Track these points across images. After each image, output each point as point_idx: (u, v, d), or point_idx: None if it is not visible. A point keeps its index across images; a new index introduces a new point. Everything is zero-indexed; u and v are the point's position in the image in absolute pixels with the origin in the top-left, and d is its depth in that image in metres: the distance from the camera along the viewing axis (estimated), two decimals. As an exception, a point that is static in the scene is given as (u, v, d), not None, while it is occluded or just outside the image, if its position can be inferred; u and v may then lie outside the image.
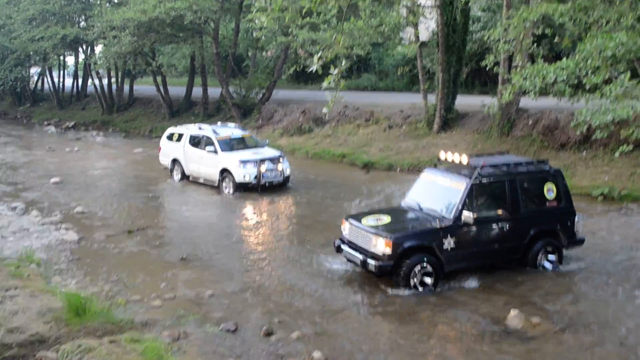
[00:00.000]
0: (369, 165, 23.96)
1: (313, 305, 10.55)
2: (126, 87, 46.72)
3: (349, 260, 11.67)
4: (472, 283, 11.58)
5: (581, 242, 12.51)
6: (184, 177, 21.93)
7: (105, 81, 46.45)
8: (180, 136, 22.29)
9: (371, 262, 10.78)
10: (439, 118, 24.75)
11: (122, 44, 32.83)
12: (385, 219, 11.64)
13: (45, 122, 47.56)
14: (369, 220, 11.48)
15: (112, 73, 46.24)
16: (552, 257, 12.09)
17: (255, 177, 19.40)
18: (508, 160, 12.39)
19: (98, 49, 44.39)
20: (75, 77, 54.72)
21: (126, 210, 17.47)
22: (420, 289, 10.89)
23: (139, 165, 25.78)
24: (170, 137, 22.88)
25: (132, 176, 23.61)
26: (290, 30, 25.93)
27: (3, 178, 22.85)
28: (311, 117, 30.02)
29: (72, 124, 44.83)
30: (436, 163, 12.91)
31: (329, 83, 9.59)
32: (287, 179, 20.35)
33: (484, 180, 11.43)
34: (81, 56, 50.40)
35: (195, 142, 21.39)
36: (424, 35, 27.75)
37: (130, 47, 33.19)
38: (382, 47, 37.72)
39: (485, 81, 30.83)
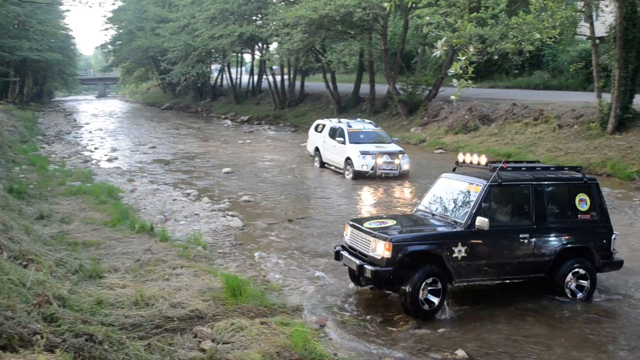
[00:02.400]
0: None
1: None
2: (297, 84, 48.60)
3: (346, 266, 10.51)
4: None
5: (619, 264, 10.84)
6: (322, 164, 24.83)
7: (278, 78, 48.67)
8: (323, 127, 25.39)
9: (368, 267, 9.36)
10: (613, 118, 23.53)
11: (294, 41, 34.62)
12: (390, 222, 10.42)
13: (223, 116, 51.33)
14: (371, 224, 10.29)
15: (285, 70, 48.10)
16: (583, 281, 10.38)
17: (372, 168, 21.64)
18: (534, 164, 11.45)
19: (272, 46, 46.34)
20: (251, 73, 57.68)
21: (289, 199, 18.33)
22: (426, 308, 9.36)
23: (304, 158, 27.00)
24: (316, 128, 26.17)
25: (296, 168, 24.63)
26: (456, 25, 25.46)
27: (181, 167, 24.79)
28: (477, 114, 29.99)
29: (246, 118, 47.82)
30: (455, 167, 11.43)
31: (456, 70, 9.68)
32: (404, 173, 22.17)
33: (504, 184, 10.09)
34: (257, 53, 52.78)
35: (332, 133, 24.16)
36: (600, 30, 26.20)
37: (301, 44, 34.96)
38: (556, 43, 36.09)
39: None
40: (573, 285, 10.32)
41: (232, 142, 33.97)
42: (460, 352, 8.34)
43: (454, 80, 10.46)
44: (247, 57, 63.46)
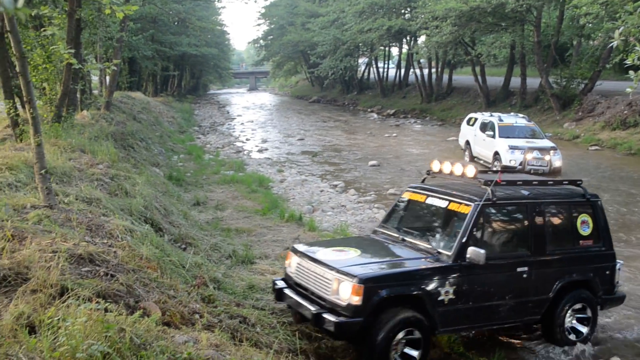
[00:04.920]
0: None
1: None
2: (445, 77, 47.81)
3: (292, 309, 7.75)
4: None
5: (621, 300, 9.01)
6: (472, 158, 24.21)
7: (425, 71, 48.18)
8: (475, 121, 24.86)
9: (329, 317, 6.77)
10: None
11: (443, 34, 34.18)
12: (352, 252, 7.83)
13: (369, 109, 51.58)
14: (327, 253, 7.78)
15: (433, 63, 47.54)
16: (583, 322, 8.49)
17: (521, 163, 20.73)
18: (528, 177, 9.21)
19: (420, 39, 45.95)
20: (398, 67, 57.48)
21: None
22: None
23: (449, 152, 27.00)
24: (468, 121, 25.76)
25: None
26: (618, 15, 24.07)
27: (328, 159, 25.16)
28: (638, 110, 27.70)
29: (392, 111, 47.75)
30: (424, 177, 9.27)
31: (633, 60, 8.60)
32: (555, 170, 20.95)
33: (499, 202, 7.92)
34: (404, 47, 52.55)
35: (483, 127, 23.61)
36: None
37: (450, 36, 34.53)
38: None
39: None
40: (572, 324, 8.38)
41: (378, 135, 34.12)
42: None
43: (631, 72, 9.63)
44: (394, 51, 63.34)
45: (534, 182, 8.60)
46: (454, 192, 8.12)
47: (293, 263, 7.92)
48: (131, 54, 36.60)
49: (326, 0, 59.10)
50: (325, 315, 6.80)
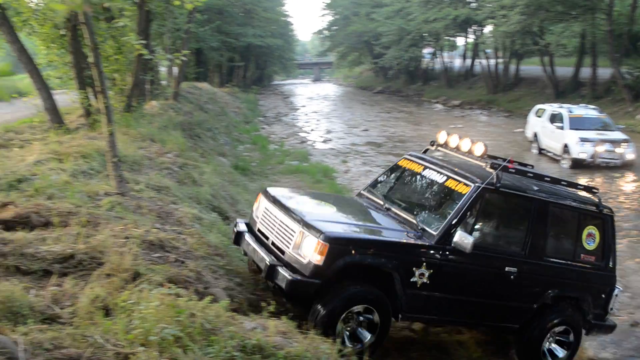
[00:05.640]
0: None
1: None
2: (512, 67, 46.80)
3: (247, 256, 7.04)
4: None
5: (610, 329, 8.18)
6: (540, 151, 23.82)
7: (492, 61, 47.29)
8: (543, 112, 24.46)
9: (283, 273, 6.05)
10: None
11: (511, 23, 33.37)
12: (327, 208, 7.24)
13: (433, 100, 51.14)
14: (299, 203, 7.06)
15: (499, 53, 46.69)
16: (562, 345, 7.70)
17: (591, 156, 20.37)
18: (540, 172, 8.15)
19: (487, 29, 45.20)
20: (464, 57, 56.60)
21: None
22: (350, 345, 6.02)
23: (519, 144, 26.19)
24: (536, 113, 25.30)
25: (511, 155, 23.66)
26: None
27: (392, 150, 25.21)
28: None
29: (458, 102, 47.27)
30: (427, 148, 8.45)
31: None
32: (627, 163, 20.69)
33: (502, 190, 7.03)
34: (470, 36, 51.82)
35: (552, 118, 23.15)
36: None
37: (518, 26, 33.84)
38: None
39: None
40: (550, 348, 7.59)
41: (444, 127, 33.41)
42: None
43: None
44: (460, 41, 62.48)
45: (546, 178, 7.75)
46: (455, 169, 7.30)
47: (261, 207, 7.23)
48: (198, 45, 37.17)
49: (391, -10, 58.86)
50: (280, 270, 6.09)
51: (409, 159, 8.10)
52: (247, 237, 6.96)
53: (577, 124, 21.51)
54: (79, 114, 15.02)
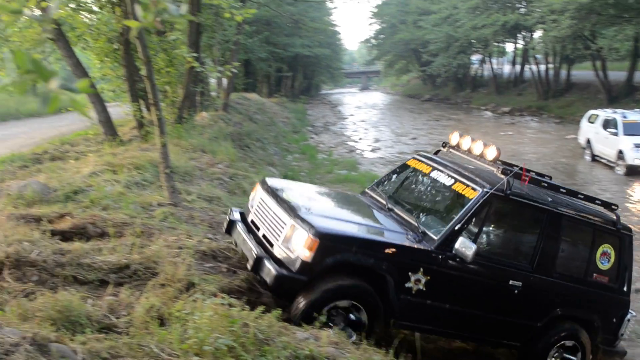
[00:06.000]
0: None
1: None
2: (562, 72, 45.99)
3: (237, 248, 6.63)
4: None
5: (620, 356, 7.61)
6: (594, 158, 23.48)
7: (542, 67, 46.55)
8: (596, 118, 24.01)
9: (269, 266, 5.70)
10: None
11: (561, 28, 32.88)
12: (324, 203, 7.04)
13: (482, 107, 50.64)
14: (295, 196, 6.75)
15: (549, 58, 45.95)
16: None
17: None
18: (556, 183, 7.54)
19: (537, 34, 44.55)
20: (513, 63, 55.91)
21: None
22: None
23: (572, 151, 25.83)
24: (589, 119, 24.85)
25: (563, 162, 23.37)
26: None
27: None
28: None
29: (507, 109, 46.73)
30: (439, 150, 8.12)
31: None
32: None
33: (513, 198, 6.56)
34: (519, 42, 51.14)
35: (605, 124, 22.69)
36: None
37: (569, 30, 33.32)
38: None
39: None
40: None
41: (493, 134, 33.35)
42: None
43: None
44: (509, 47, 61.76)
45: (562, 190, 7.24)
46: (464, 172, 6.90)
47: (257, 197, 6.92)
48: (246, 56, 37.54)
49: (438, -3, 58.71)
50: (267, 263, 5.74)
51: (417, 159, 7.79)
52: (239, 226, 6.67)
53: (632, 129, 21.01)
54: (132, 126, 15.33)
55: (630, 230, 7.48)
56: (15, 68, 1.64)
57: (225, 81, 25.38)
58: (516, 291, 6.60)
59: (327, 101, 70.40)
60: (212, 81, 28.62)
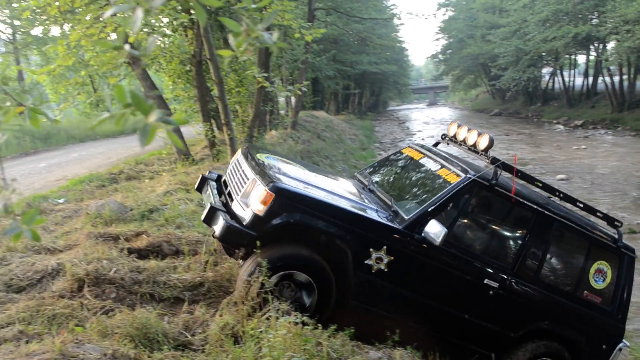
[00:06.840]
0: None
1: None
2: (638, 84, 44.65)
3: (203, 205, 6.66)
4: None
5: None
6: None
7: (616, 78, 45.20)
8: None
9: (221, 217, 5.35)
10: None
11: (636, 38, 31.74)
12: (299, 170, 6.59)
13: (554, 121, 49.57)
14: (272, 162, 6.41)
15: (624, 69, 44.61)
16: None
17: None
18: (553, 186, 6.76)
19: (610, 45, 43.36)
20: (586, 75, 54.48)
21: (636, 209, 16.82)
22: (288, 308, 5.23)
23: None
24: None
25: (634, 175, 22.71)
26: None
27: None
28: None
29: (580, 122, 45.52)
30: (438, 142, 7.75)
31: None
32: None
33: (498, 190, 6.04)
34: (592, 54, 49.85)
35: None
36: None
37: (644, 41, 31.62)
38: None
39: None
40: None
41: (566, 148, 32.53)
42: None
43: None
44: (581, 59, 60.27)
45: (558, 193, 6.58)
46: (452, 159, 6.56)
47: (235, 160, 6.75)
48: (314, 74, 37.84)
49: (507, 11, 57.71)
50: (220, 214, 5.40)
51: (412, 148, 7.56)
52: (210, 184, 6.56)
53: None
54: (204, 145, 15.60)
55: (633, 251, 6.81)
56: (115, 101, 1.69)
57: (293, 99, 25.64)
58: (491, 292, 6.03)
59: (395, 117, 70.20)
60: (281, 100, 28.95)
